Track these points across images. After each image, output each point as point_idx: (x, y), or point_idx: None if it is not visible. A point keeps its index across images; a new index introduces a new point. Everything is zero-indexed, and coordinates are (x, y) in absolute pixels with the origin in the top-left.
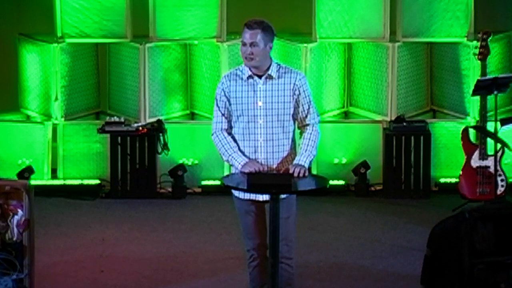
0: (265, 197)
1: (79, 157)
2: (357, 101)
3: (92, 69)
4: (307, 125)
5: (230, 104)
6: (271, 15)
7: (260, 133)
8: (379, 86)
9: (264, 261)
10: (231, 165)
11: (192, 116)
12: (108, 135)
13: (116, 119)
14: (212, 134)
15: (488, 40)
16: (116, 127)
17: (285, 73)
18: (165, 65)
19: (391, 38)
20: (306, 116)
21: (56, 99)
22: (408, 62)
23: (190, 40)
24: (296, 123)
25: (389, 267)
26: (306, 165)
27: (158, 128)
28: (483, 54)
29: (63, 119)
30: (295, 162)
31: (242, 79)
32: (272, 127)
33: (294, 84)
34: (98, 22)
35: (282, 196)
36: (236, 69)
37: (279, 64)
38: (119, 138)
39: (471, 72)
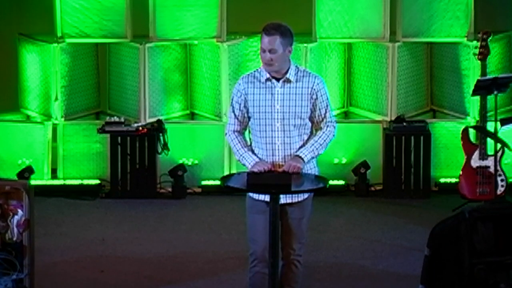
0: (283, 200)
1: (79, 157)
2: (357, 101)
3: (92, 69)
4: (321, 128)
5: (246, 107)
6: (271, 15)
7: (278, 136)
8: (379, 86)
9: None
10: (242, 165)
11: (192, 116)
12: (108, 135)
13: (116, 119)
14: (225, 134)
15: (488, 40)
16: (116, 127)
17: (303, 76)
18: (165, 65)
19: (391, 38)
20: (322, 120)
21: (56, 99)
22: (408, 62)
23: (190, 40)
24: (313, 126)
25: (389, 267)
26: (306, 159)
27: (158, 128)
28: (483, 54)
29: (63, 119)
30: (296, 153)
31: (260, 81)
32: (290, 131)
33: (312, 88)
34: (98, 22)
35: (299, 199)
36: (255, 71)
37: (297, 67)
38: (119, 138)
39: (471, 72)
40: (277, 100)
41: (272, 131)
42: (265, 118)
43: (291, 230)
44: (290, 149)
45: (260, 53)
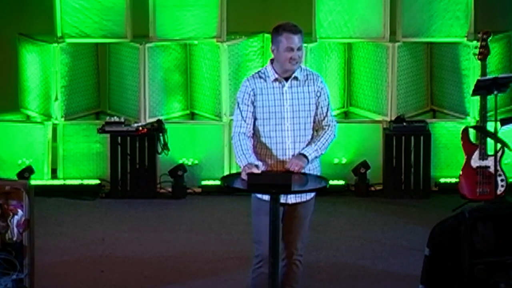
0: (290, 200)
1: (79, 157)
2: (357, 101)
3: (92, 69)
4: (323, 127)
5: (254, 107)
6: (271, 15)
7: (288, 136)
8: (379, 86)
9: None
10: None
11: (192, 116)
12: (108, 135)
13: (116, 119)
14: (232, 137)
15: (488, 40)
16: (116, 127)
17: (307, 75)
18: (165, 65)
19: (391, 38)
20: (324, 119)
21: (56, 99)
22: (408, 62)
23: (190, 40)
24: (314, 124)
25: (389, 267)
26: (310, 158)
27: (158, 128)
28: (483, 54)
29: (63, 119)
30: (300, 151)
31: (266, 81)
32: (299, 129)
33: (317, 86)
34: (98, 22)
35: (307, 198)
36: (258, 72)
37: (300, 66)
38: (119, 138)
39: (471, 72)
40: (287, 99)
41: (282, 130)
42: (275, 118)
43: (295, 230)
44: (300, 148)
45: (282, 53)
